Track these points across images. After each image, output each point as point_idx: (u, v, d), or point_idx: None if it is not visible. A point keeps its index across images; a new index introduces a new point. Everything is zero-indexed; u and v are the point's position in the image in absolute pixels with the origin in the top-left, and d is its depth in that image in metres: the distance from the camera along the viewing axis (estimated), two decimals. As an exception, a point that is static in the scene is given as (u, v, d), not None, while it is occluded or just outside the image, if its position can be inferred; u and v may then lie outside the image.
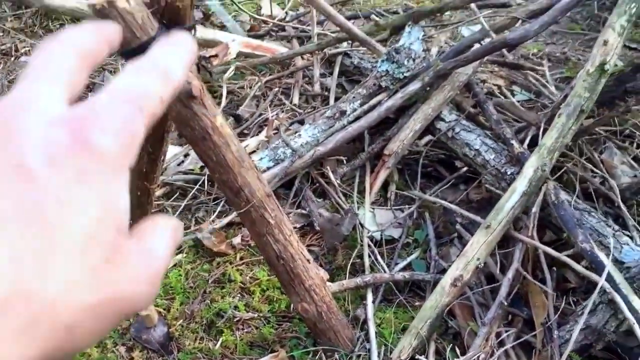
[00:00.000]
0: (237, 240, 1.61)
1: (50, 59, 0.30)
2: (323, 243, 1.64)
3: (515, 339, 1.34)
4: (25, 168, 0.25)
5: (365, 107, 1.84)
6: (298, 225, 1.68)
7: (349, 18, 2.46)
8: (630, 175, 1.72)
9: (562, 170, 1.63)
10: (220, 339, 1.39)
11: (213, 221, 1.65)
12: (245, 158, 1.01)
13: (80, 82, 0.31)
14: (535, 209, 1.40)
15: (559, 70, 2.39)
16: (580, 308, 1.22)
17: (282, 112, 2.11)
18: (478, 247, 1.33)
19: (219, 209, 1.69)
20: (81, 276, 0.25)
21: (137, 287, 0.28)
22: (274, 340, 1.39)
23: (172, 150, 1.84)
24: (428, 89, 1.85)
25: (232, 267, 1.54)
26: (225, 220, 1.64)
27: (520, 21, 1.98)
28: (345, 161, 1.85)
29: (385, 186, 1.83)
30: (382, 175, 1.80)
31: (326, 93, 2.17)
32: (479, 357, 1.24)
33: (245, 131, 2.04)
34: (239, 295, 1.49)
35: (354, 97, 1.87)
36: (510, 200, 1.38)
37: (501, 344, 1.32)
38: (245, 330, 1.42)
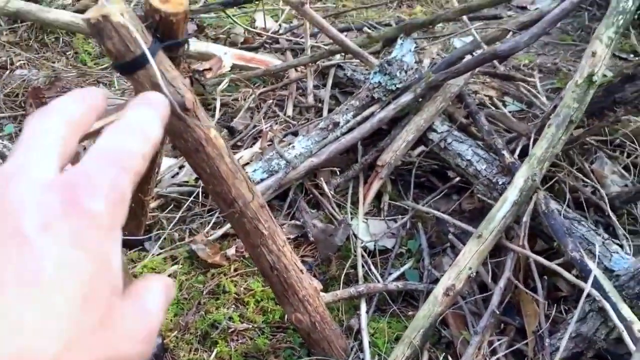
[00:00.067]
0: (231, 251, 1.61)
1: (42, 129, 0.31)
2: (317, 254, 1.65)
3: (508, 347, 1.35)
4: (21, 234, 0.26)
5: (358, 118, 1.86)
6: (292, 236, 1.69)
7: (341, 30, 2.49)
8: (620, 185, 1.74)
9: (554, 180, 1.65)
10: (215, 350, 1.39)
11: (207, 233, 1.66)
12: (239, 170, 1.02)
13: (70, 149, 0.32)
14: (526, 219, 1.41)
15: (550, 80, 2.42)
16: (570, 316, 1.24)
17: (276, 124, 2.12)
18: (470, 256, 1.34)
19: (213, 220, 1.69)
20: (78, 337, 0.26)
21: (132, 346, 0.29)
22: (269, 350, 1.40)
23: (167, 162, 1.85)
24: (420, 100, 1.87)
25: (227, 279, 1.55)
26: (220, 232, 1.65)
27: (510, 33, 2.00)
28: (338, 172, 1.86)
29: (378, 197, 1.84)
30: (376, 185, 1.81)
31: (320, 105, 2.19)
32: (471, 365, 1.25)
33: (239, 143, 2.05)
34: (233, 306, 1.49)
35: (347, 109, 1.89)
36: (501, 210, 1.39)
37: (493, 352, 1.33)
38: (240, 341, 1.43)
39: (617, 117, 1.66)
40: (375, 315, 1.49)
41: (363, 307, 1.45)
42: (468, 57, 1.94)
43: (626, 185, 1.75)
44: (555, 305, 1.41)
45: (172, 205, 1.77)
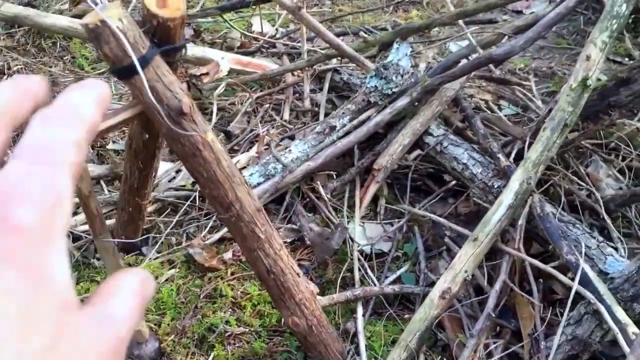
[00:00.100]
0: (228, 255, 1.62)
1: None
2: (314, 257, 1.65)
3: (503, 350, 1.36)
4: None
5: (355, 122, 1.87)
6: (289, 240, 1.70)
7: (338, 35, 2.49)
8: (615, 188, 1.75)
9: (549, 183, 1.66)
10: (212, 354, 1.39)
11: (204, 237, 1.66)
12: (236, 174, 1.02)
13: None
14: (521, 222, 1.42)
15: (545, 84, 2.44)
16: (565, 319, 1.24)
17: (273, 128, 2.13)
18: (466, 259, 1.35)
19: (210, 224, 1.70)
20: None
21: None
22: (265, 354, 1.40)
23: (164, 167, 1.85)
24: (416, 104, 1.88)
25: (224, 282, 1.55)
26: (217, 236, 1.66)
27: (506, 37, 2.02)
28: (335, 176, 1.87)
29: (375, 200, 1.85)
30: (372, 189, 1.81)
31: (316, 109, 2.20)
32: (467, 368, 1.25)
33: (236, 147, 2.05)
34: (230, 310, 1.50)
35: (343, 113, 1.90)
36: (497, 213, 1.40)
37: (489, 355, 1.33)
38: (237, 345, 1.43)
39: (612, 121, 1.68)
40: (372, 319, 1.49)
41: (359, 310, 1.45)
42: (464, 61, 1.95)
43: (621, 188, 1.76)
44: (551, 308, 1.42)
45: (169, 210, 1.77)
